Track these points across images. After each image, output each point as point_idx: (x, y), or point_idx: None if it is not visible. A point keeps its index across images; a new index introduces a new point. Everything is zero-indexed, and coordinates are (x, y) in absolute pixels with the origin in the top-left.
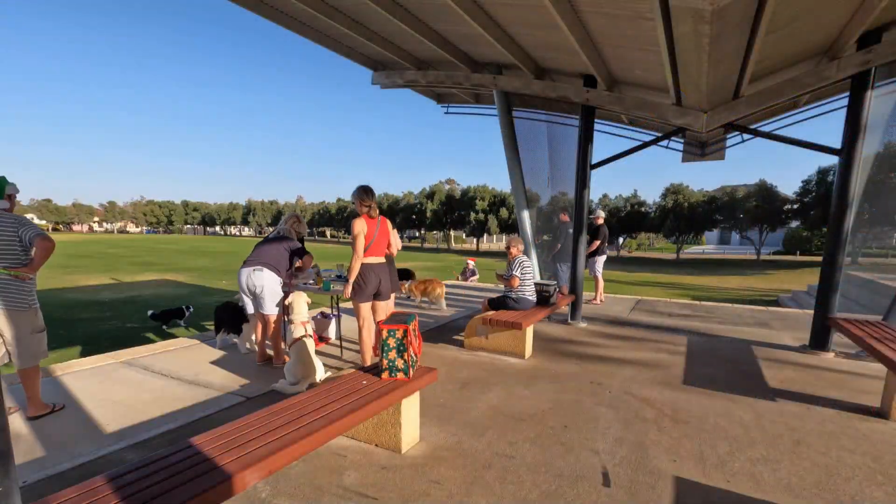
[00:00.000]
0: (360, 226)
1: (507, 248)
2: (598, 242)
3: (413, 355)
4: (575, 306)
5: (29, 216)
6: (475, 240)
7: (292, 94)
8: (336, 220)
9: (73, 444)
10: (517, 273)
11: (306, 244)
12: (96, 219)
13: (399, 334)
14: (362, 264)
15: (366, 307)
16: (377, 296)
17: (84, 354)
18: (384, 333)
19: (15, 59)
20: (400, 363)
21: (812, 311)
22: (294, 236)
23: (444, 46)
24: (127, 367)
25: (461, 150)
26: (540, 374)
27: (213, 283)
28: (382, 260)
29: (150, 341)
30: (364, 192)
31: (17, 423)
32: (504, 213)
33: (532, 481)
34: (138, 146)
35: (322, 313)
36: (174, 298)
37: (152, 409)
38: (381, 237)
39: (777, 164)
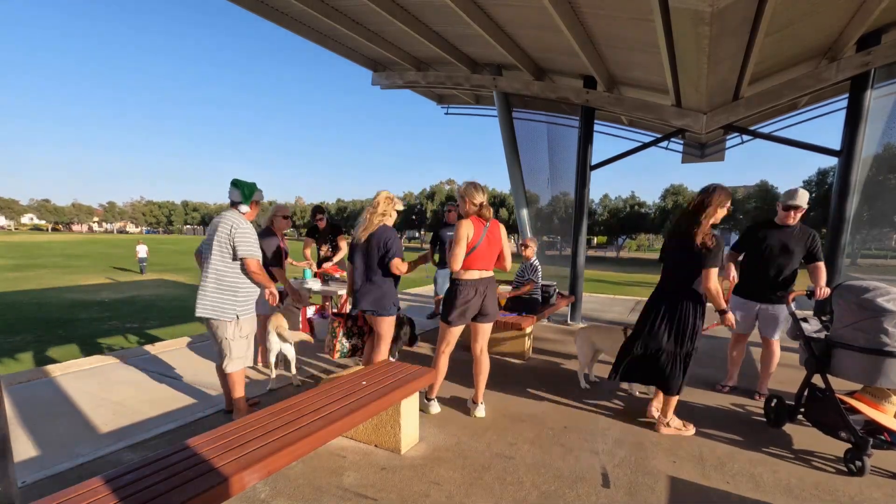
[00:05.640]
0: (466, 227)
1: (524, 247)
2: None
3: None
4: (574, 307)
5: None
6: None
7: (292, 93)
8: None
9: (72, 445)
10: (533, 277)
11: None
12: (96, 219)
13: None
14: (460, 280)
15: (454, 331)
16: (480, 317)
17: (84, 354)
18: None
19: (14, 59)
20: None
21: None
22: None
23: (444, 47)
24: (126, 367)
25: (461, 151)
26: (539, 374)
27: None
28: (490, 274)
29: (150, 341)
30: (475, 186)
31: (16, 423)
32: (504, 213)
33: (531, 482)
34: (138, 146)
35: (320, 314)
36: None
37: (151, 410)
38: (491, 246)
39: (776, 165)
